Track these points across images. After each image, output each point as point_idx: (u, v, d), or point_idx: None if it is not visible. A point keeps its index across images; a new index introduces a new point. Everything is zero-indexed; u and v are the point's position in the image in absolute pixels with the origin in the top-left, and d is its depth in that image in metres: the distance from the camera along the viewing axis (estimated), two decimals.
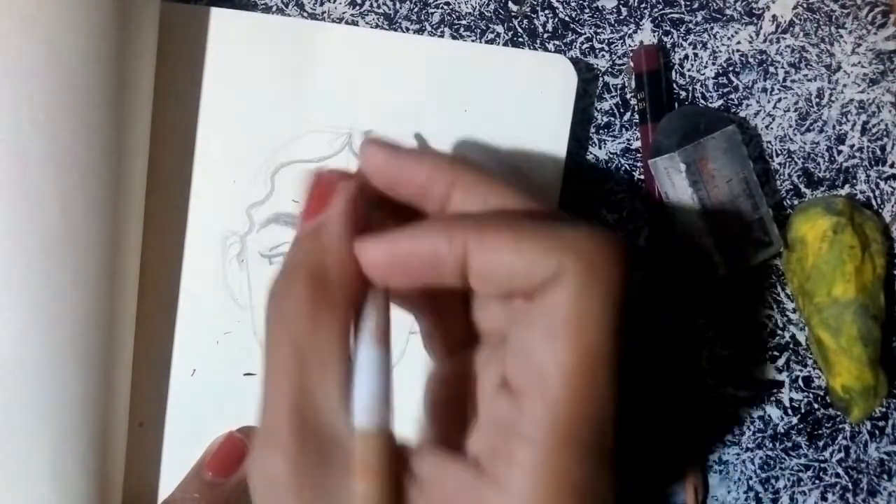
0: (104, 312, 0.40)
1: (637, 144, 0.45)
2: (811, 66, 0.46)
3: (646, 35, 0.46)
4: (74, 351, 0.39)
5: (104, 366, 0.40)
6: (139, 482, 0.43)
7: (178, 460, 0.43)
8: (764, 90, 0.46)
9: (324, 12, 0.46)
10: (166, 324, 0.44)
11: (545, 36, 0.46)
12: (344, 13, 0.46)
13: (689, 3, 0.46)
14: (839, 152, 0.46)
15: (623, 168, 0.46)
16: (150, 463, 0.44)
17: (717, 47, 0.46)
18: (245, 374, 0.44)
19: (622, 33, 0.46)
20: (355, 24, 0.45)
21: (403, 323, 0.43)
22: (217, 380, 0.44)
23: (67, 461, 0.39)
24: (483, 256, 0.28)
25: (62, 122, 0.38)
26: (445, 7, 0.45)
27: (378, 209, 0.32)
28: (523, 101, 0.44)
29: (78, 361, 0.39)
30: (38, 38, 0.37)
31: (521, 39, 0.45)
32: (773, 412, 0.45)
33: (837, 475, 0.45)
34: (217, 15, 0.44)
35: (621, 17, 0.46)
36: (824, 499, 0.45)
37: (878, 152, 0.46)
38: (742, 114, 0.46)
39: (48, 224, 0.38)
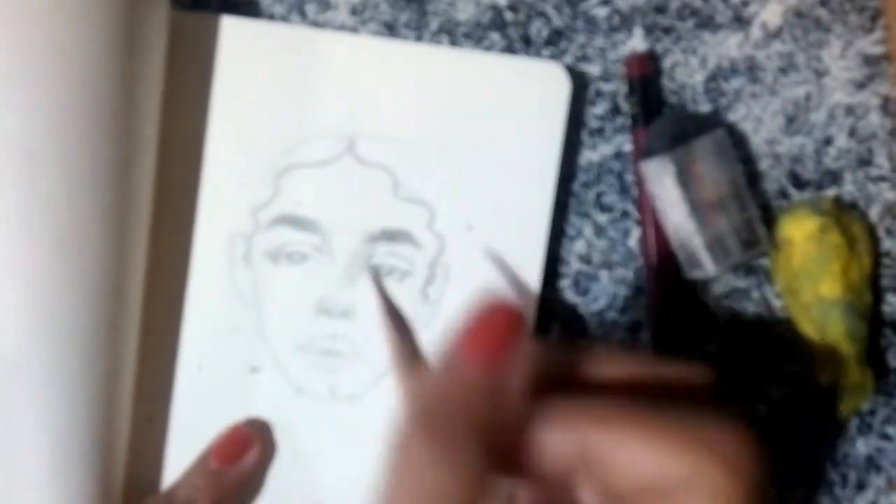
0: (110, 310, 0.41)
1: (628, 148, 0.47)
2: (799, 70, 0.47)
3: (637, 42, 0.47)
4: (80, 347, 0.40)
5: (108, 362, 0.41)
6: (144, 475, 0.45)
7: (182, 454, 0.45)
8: (753, 95, 0.47)
9: (326, 20, 0.47)
10: (173, 321, 0.45)
11: (539, 43, 0.47)
12: (345, 21, 0.47)
13: (679, 10, 0.47)
14: (826, 155, 0.47)
15: (615, 171, 0.47)
16: (155, 456, 0.45)
17: (707, 53, 0.47)
18: (250, 370, 0.45)
19: (614, 40, 0.47)
20: (356, 31, 0.47)
21: None
22: (222, 375, 0.45)
23: (69, 453, 0.40)
24: (606, 452, 0.25)
25: (72, 124, 0.39)
26: (443, 16, 0.47)
27: None
28: (517, 107, 0.45)
29: (83, 357, 0.40)
30: (48, 43, 0.39)
31: (516, 47, 0.47)
32: (761, 408, 0.46)
33: (825, 470, 0.46)
34: (225, 23, 0.46)
35: (613, 25, 0.47)
36: (812, 494, 0.46)
37: (865, 154, 0.47)
38: (731, 118, 0.47)
39: (56, 223, 0.39)
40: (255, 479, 0.44)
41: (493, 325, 0.27)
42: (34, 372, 0.39)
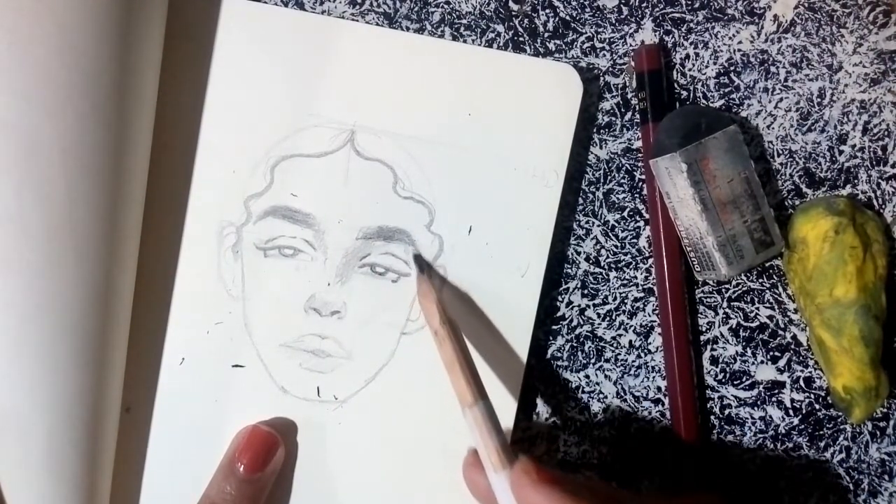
0: (103, 295, 0.40)
1: (638, 144, 0.45)
2: (812, 65, 0.46)
3: (647, 34, 0.45)
4: (72, 334, 0.39)
5: (100, 350, 0.40)
6: (126, 466, 0.43)
7: (164, 446, 0.43)
8: (765, 90, 0.45)
9: (324, 11, 0.45)
10: (159, 311, 0.44)
11: (546, 35, 0.45)
12: (344, 12, 0.45)
13: (690, 2, 0.45)
14: (840, 152, 0.45)
15: (624, 168, 0.45)
16: (138, 448, 0.44)
17: (719, 47, 0.45)
18: (233, 366, 0.44)
19: (623, 33, 0.45)
20: (356, 22, 0.45)
21: (395, 323, 0.43)
22: (205, 369, 0.44)
23: (61, 443, 0.39)
24: None
25: (68, 107, 0.38)
26: (445, 6, 0.45)
27: None
28: (527, 107, 0.44)
29: (75, 344, 0.39)
30: (48, 24, 0.37)
31: (521, 39, 0.45)
32: (775, 413, 0.45)
33: (839, 476, 0.45)
34: (227, 3, 0.44)
35: (622, 17, 0.45)
36: (825, 499, 0.45)
37: (880, 152, 0.46)
38: (743, 113, 0.45)
39: (52, 207, 0.38)
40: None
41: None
42: (28, 357, 0.38)
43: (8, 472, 0.39)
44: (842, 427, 0.45)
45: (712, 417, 0.45)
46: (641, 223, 0.45)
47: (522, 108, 0.44)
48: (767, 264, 0.45)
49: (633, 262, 0.45)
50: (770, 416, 0.45)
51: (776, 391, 0.45)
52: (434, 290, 0.42)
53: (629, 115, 0.45)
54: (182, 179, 0.44)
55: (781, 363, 0.45)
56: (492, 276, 0.44)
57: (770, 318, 0.45)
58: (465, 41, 0.45)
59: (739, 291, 0.45)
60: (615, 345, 0.45)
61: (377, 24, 0.45)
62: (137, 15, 0.40)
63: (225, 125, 0.44)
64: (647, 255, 0.45)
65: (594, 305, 0.45)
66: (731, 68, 0.45)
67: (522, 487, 0.36)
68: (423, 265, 0.43)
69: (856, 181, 0.46)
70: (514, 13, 0.45)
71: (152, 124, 0.42)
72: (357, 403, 0.44)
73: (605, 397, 0.45)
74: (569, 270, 0.45)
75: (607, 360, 0.45)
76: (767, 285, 0.45)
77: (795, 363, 0.45)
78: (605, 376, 0.45)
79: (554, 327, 0.45)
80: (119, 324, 0.41)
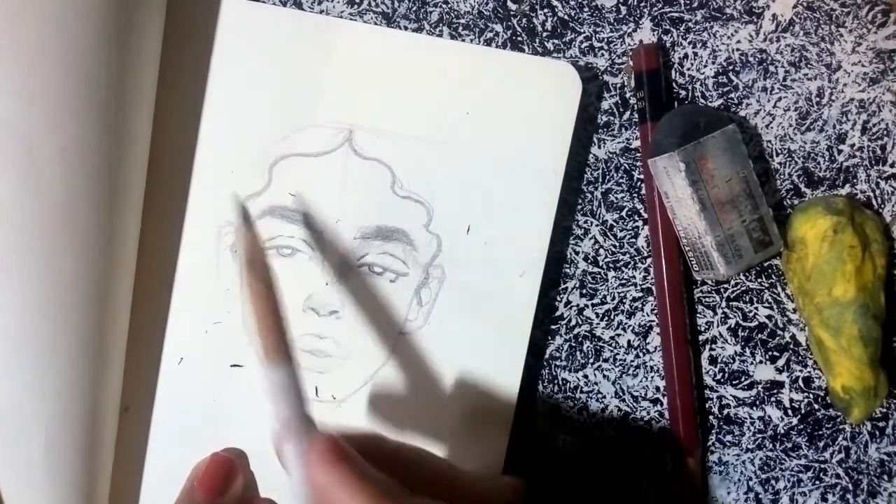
0: (102, 295, 0.40)
1: (636, 144, 0.45)
2: (811, 65, 0.45)
3: (645, 34, 0.45)
4: (71, 334, 0.39)
5: (99, 350, 0.40)
6: (126, 466, 0.43)
7: (163, 446, 0.44)
8: (764, 89, 0.45)
9: (322, 10, 0.45)
10: (158, 311, 0.44)
11: (544, 35, 0.45)
12: (342, 12, 0.45)
13: (688, 1, 0.45)
14: (839, 152, 0.45)
15: (623, 167, 0.45)
16: (137, 448, 0.44)
17: (717, 46, 0.45)
18: (231, 366, 0.44)
19: (621, 32, 0.45)
20: (354, 22, 0.45)
21: (394, 323, 0.43)
22: (203, 370, 0.44)
23: (61, 443, 0.39)
24: None
25: (69, 105, 0.38)
26: (444, 6, 0.45)
27: None
28: (526, 106, 0.44)
29: (74, 344, 0.39)
30: (48, 24, 0.37)
31: (519, 39, 0.45)
32: (774, 413, 0.45)
33: (838, 476, 0.45)
34: (227, 3, 0.44)
35: (621, 16, 0.45)
36: (824, 500, 0.45)
37: (879, 152, 0.45)
38: (742, 113, 0.45)
39: (51, 209, 0.38)
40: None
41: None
42: (27, 356, 0.38)
43: (8, 472, 0.39)
44: (841, 427, 0.45)
45: (711, 417, 0.45)
46: (640, 223, 0.45)
47: (521, 107, 0.44)
48: (766, 264, 0.45)
49: (632, 262, 0.45)
50: (769, 416, 0.45)
51: (775, 391, 0.45)
52: (262, 244, 0.40)
53: (628, 114, 0.45)
54: (181, 179, 0.44)
55: (780, 363, 0.45)
56: (490, 276, 0.44)
57: (769, 317, 0.45)
58: (463, 41, 0.45)
59: (738, 291, 0.45)
60: (614, 344, 0.45)
61: (375, 24, 0.45)
62: (137, 15, 0.40)
63: (223, 125, 0.44)
64: (645, 254, 0.45)
65: (593, 305, 0.45)
66: (730, 68, 0.45)
67: (311, 462, 0.33)
68: (248, 217, 0.42)
69: (855, 180, 0.45)
70: (512, 13, 0.45)
71: (151, 124, 0.42)
72: (355, 403, 0.44)
73: (604, 397, 0.45)
74: (567, 270, 0.45)
75: (606, 360, 0.45)
76: (766, 285, 0.45)
77: (794, 363, 0.45)
78: (604, 376, 0.45)
79: (552, 327, 0.45)
80: (118, 323, 0.41)
